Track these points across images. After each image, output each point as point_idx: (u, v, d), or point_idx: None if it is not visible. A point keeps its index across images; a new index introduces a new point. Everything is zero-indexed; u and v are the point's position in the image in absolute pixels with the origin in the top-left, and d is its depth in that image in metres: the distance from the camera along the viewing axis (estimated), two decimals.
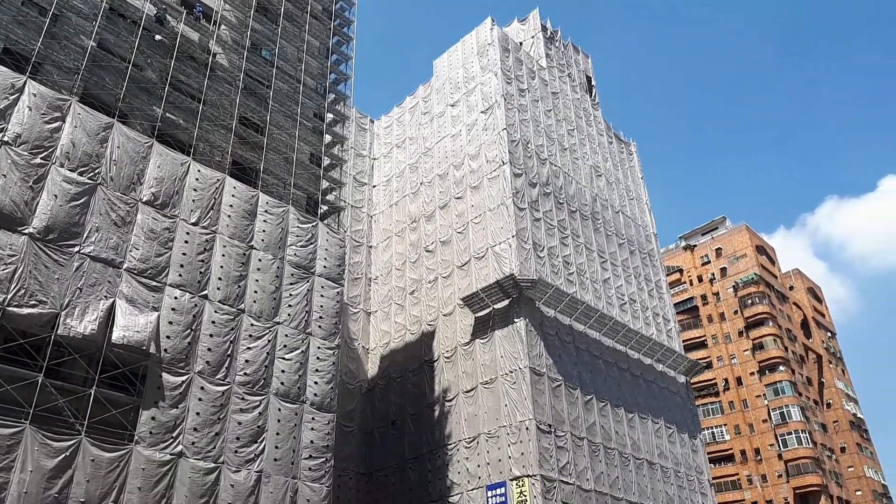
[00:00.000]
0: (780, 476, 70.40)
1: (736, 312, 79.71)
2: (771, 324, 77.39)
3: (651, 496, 41.41)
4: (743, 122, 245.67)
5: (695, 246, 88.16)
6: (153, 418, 23.37)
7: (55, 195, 23.40)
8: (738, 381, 76.98)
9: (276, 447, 26.37)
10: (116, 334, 22.97)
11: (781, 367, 74.89)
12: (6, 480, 19.75)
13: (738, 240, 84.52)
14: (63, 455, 21.02)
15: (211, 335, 25.98)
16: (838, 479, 74.33)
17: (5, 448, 19.93)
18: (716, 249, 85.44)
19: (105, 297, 23.49)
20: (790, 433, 71.04)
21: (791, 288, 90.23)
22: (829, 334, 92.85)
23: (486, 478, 36.20)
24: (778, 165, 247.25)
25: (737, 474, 73.21)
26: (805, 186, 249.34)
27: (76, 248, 23.34)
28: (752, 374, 76.12)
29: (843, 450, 79.66)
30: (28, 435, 20.43)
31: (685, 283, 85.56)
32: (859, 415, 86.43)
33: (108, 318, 23.22)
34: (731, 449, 74.47)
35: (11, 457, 20.01)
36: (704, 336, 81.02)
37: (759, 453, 72.61)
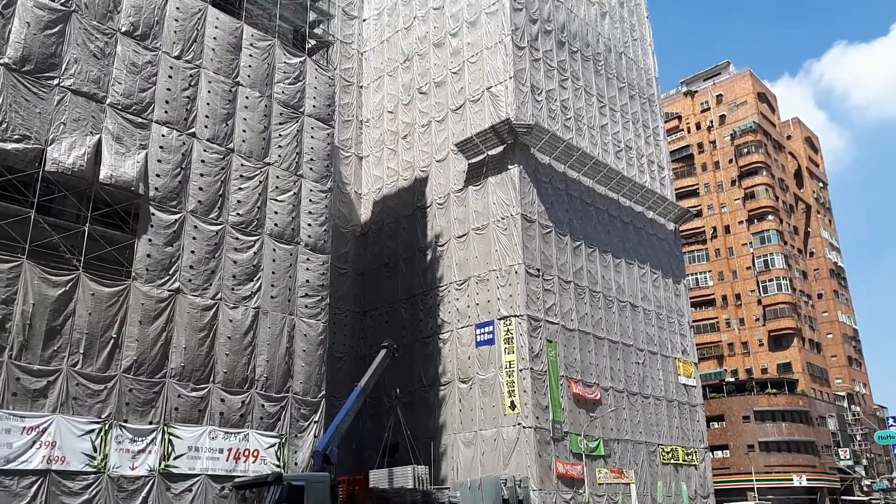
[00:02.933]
0: (757, 320, 73.67)
1: (731, 161, 79.43)
2: (764, 173, 77.43)
3: (632, 336, 43.42)
4: None
5: (695, 92, 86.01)
6: (149, 255, 23.70)
7: (28, 22, 22.13)
8: (727, 229, 78.31)
9: (273, 286, 27.05)
10: (104, 173, 22.70)
11: (770, 217, 75.92)
12: (10, 312, 20.35)
13: (739, 86, 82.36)
14: (63, 289, 21.52)
15: (201, 174, 25.73)
16: (812, 324, 77.92)
17: (5, 281, 20.38)
18: (716, 96, 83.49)
19: (91, 132, 22.95)
20: (771, 280, 73.44)
21: (788, 137, 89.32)
22: (821, 184, 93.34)
23: (476, 317, 37.63)
24: (788, 8, 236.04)
25: (716, 318, 76.52)
26: (814, 31, 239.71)
27: (55, 81, 22.46)
28: (740, 222, 77.30)
29: (820, 296, 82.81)
30: (26, 269, 20.77)
31: (683, 130, 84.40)
32: (840, 263, 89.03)
33: (96, 154, 22.84)
34: (714, 294, 77.30)
35: (13, 290, 20.50)
36: (697, 184, 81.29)
37: (740, 298, 75.49)
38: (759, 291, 73.88)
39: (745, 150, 78.44)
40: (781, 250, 74.76)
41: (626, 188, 46.06)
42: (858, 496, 66.89)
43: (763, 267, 74.30)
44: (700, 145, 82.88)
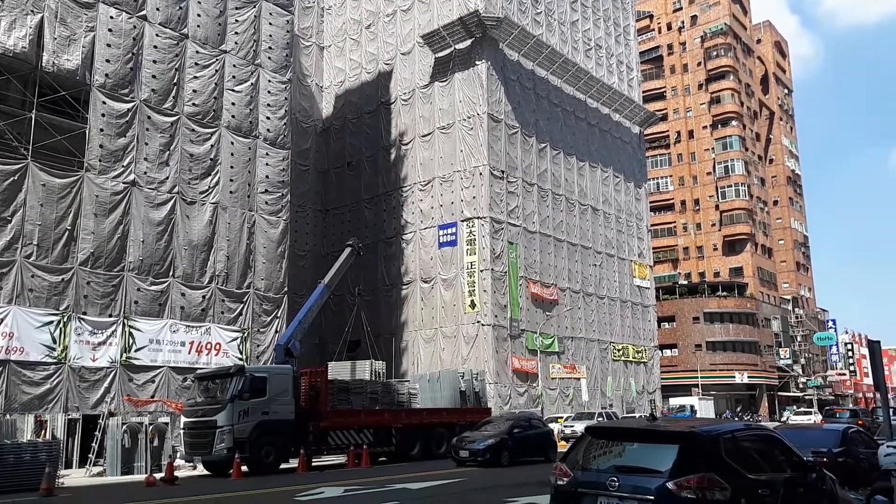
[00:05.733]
0: (713, 225, 75.35)
1: (699, 64, 78.63)
2: (731, 78, 77.03)
3: (591, 239, 44.17)
4: None
5: None
6: (101, 146, 22.89)
7: None
8: (690, 134, 78.51)
9: (231, 180, 26.52)
10: (45, 60, 21.51)
11: (734, 122, 76.20)
12: None
13: None
14: (11, 179, 20.81)
15: (154, 61, 24.55)
16: (766, 230, 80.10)
17: None
18: None
19: (32, 11, 21.52)
20: (730, 186, 74.60)
21: (758, 41, 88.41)
22: (786, 91, 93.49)
23: (439, 218, 37.69)
24: None
25: (674, 222, 78.00)
26: None
27: None
28: (704, 127, 77.47)
29: (775, 202, 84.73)
30: None
31: (654, 30, 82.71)
32: (797, 171, 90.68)
33: (40, 36, 21.53)
34: (673, 199, 78.39)
35: None
36: (665, 87, 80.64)
37: (699, 203, 76.80)
38: (718, 197, 75.14)
39: (715, 54, 77.57)
40: (742, 156, 75.58)
41: (594, 89, 45.48)
42: (793, 392, 71.31)
43: (723, 173, 75.27)
44: (670, 46, 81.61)
